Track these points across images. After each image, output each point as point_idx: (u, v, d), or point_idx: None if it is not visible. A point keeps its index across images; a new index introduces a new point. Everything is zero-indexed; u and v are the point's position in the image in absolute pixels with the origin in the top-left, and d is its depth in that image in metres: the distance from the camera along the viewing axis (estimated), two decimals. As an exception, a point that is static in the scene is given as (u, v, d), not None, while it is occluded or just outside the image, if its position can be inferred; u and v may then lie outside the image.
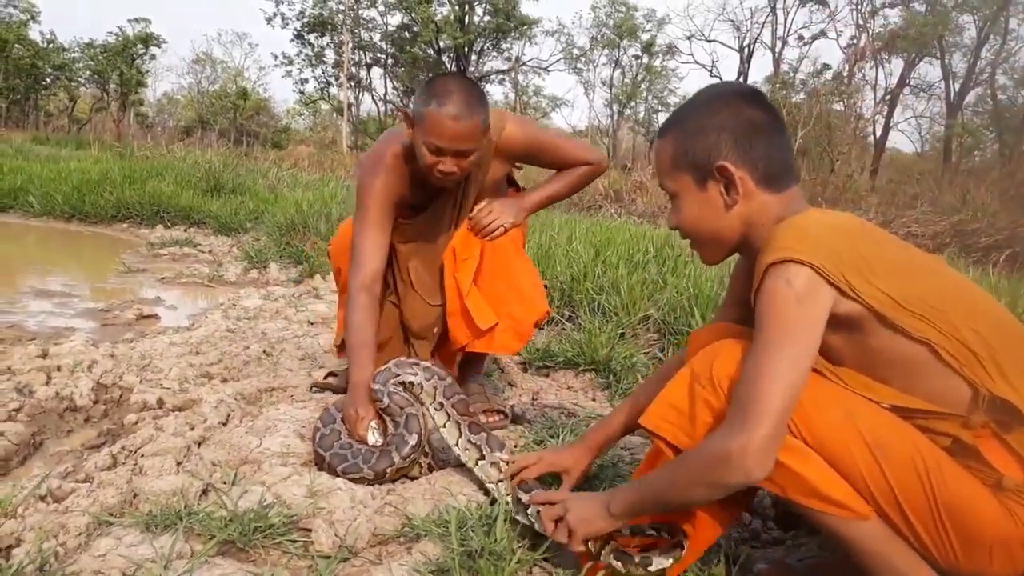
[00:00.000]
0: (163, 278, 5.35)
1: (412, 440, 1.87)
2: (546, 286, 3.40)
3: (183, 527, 1.47)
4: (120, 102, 59.87)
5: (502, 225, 2.26)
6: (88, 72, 56.78)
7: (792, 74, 32.07)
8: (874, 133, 27.44)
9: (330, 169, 19.99)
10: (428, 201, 2.33)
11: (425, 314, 2.40)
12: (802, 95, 23.18)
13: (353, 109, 56.47)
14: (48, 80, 57.44)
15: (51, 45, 51.61)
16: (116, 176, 9.72)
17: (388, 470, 1.82)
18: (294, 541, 1.51)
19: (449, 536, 1.46)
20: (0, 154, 13.41)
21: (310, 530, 1.56)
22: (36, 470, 2.02)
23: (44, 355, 2.91)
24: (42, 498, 1.67)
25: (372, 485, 1.80)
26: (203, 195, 9.32)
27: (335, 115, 61.27)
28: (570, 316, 3.58)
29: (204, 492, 1.68)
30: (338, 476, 1.80)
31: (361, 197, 2.24)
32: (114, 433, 2.26)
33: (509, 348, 2.30)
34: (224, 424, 2.19)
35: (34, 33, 49.88)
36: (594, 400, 2.72)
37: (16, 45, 48.20)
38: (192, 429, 2.10)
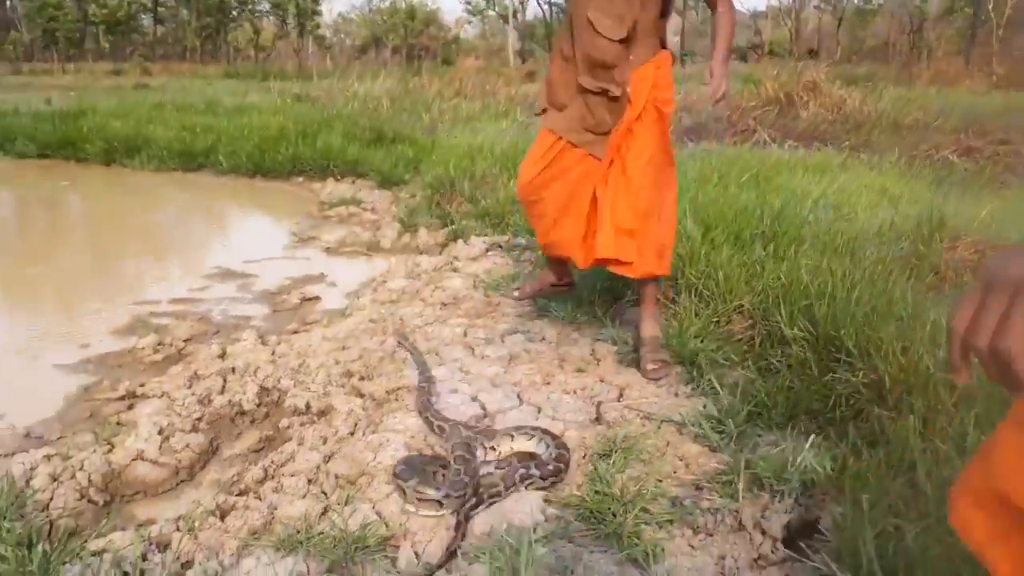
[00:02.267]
0: (328, 248, 6.05)
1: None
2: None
3: (303, 549, 1.98)
4: (298, 30, 62.96)
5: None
6: (268, 4, 59.92)
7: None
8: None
9: (492, 93, 20.25)
10: None
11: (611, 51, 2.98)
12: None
13: (519, 15, 56.14)
14: (234, 14, 61.30)
15: (234, -18, 54.83)
16: (291, 132, 10.64)
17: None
18: (386, 558, 1.98)
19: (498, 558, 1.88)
20: (194, 111, 14.71)
21: (398, 547, 2.02)
22: (213, 473, 2.64)
23: (223, 355, 3.58)
24: (211, 512, 2.24)
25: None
26: (367, 146, 10.04)
27: (502, 22, 61.49)
28: (672, 299, 3.82)
29: (324, 512, 2.19)
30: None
31: None
32: (270, 439, 2.84)
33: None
34: (352, 434, 2.71)
35: (218, -28, 53.12)
36: (677, 395, 3.01)
37: (205, -15, 51.59)
38: (325, 443, 2.63)
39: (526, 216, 3.61)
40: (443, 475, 2.30)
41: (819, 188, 6.02)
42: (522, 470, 2.30)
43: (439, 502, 2.16)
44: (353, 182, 9.17)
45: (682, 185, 5.37)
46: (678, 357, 3.21)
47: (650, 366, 3.13)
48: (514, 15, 54.21)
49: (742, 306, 3.48)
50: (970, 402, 2.24)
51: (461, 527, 2.08)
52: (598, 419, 2.83)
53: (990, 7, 30.03)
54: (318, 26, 65.88)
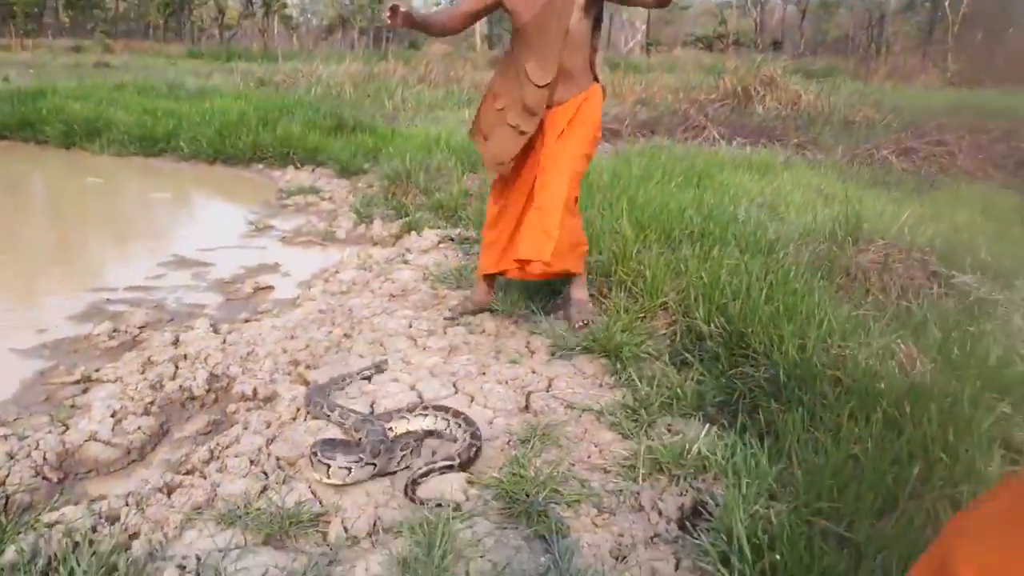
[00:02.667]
0: (284, 237, 6.21)
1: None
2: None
3: (241, 523, 2.18)
4: (264, 9, 62.23)
5: None
6: (234, -19, 59.12)
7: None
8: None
9: (456, 80, 20.32)
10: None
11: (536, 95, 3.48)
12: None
13: None
14: (199, -8, 60.39)
15: (198, -41, 54.05)
16: (252, 118, 10.70)
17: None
18: (317, 532, 2.20)
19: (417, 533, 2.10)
20: (156, 93, 14.67)
21: (329, 522, 2.24)
22: (163, 454, 2.83)
23: (176, 342, 3.76)
24: (158, 489, 2.43)
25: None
26: (328, 134, 10.16)
27: (471, 7, 61.26)
28: (604, 295, 4.06)
29: (263, 490, 2.39)
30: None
31: None
32: (218, 423, 3.03)
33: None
34: (294, 419, 2.91)
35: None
36: (600, 386, 3.25)
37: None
38: (268, 427, 2.83)
39: (481, 248, 4.03)
40: (360, 444, 2.55)
41: (758, 187, 6.32)
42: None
43: (371, 463, 2.40)
44: (313, 170, 9.29)
45: (624, 182, 5.64)
46: (604, 350, 3.45)
47: (578, 324, 3.74)
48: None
49: (666, 303, 3.73)
50: (849, 396, 2.51)
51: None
52: (526, 407, 3.06)
53: (947, 3, 30.71)
54: (284, 5, 65.18)
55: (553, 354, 3.58)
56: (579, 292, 3.88)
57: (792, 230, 4.71)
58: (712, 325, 3.38)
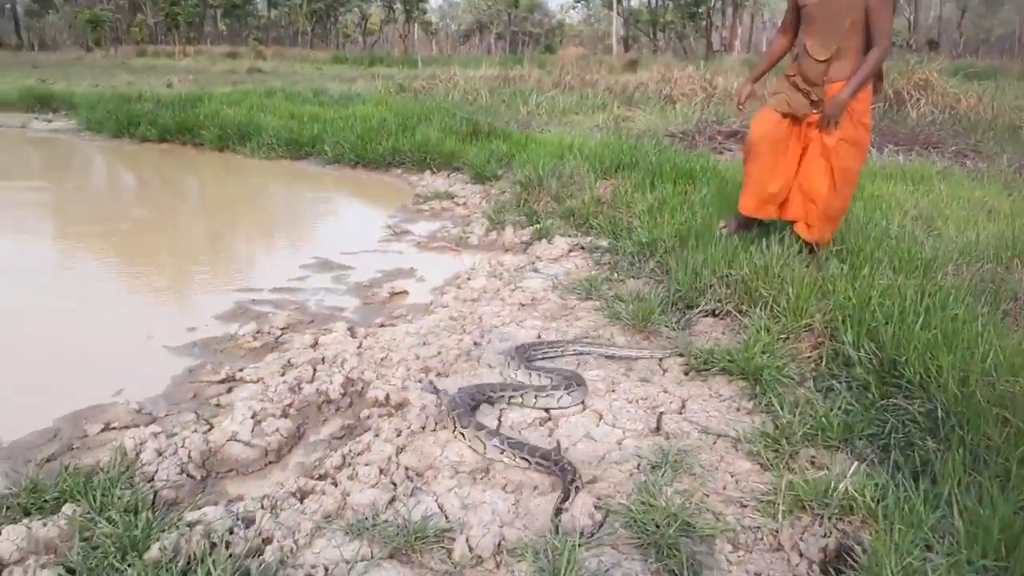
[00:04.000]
0: (419, 243, 6.33)
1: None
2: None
3: (369, 535, 2.20)
4: (405, 15, 64.21)
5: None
6: (375, -11, 61.36)
7: None
8: None
9: (591, 84, 20.18)
10: None
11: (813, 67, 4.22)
12: None
13: (624, 1, 55.62)
14: (343, -1, 62.97)
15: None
16: (391, 124, 11.02)
17: None
18: (442, 549, 2.19)
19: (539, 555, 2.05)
20: (302, 99, 15.39)
21: (454, 539, 2.22)
22: (298, 456, 2.91)
23: (315, 344, 3.88)
24: (292, 494, 2.49)
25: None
26: (463, 140, 10.32)
27: (606, 8, 61.14)
28: (743, 311, 3.88)
29: (391, 501, 2.41)
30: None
31: None
32: (351, 427, 3.09)
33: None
34: (423, 428, 2.92)
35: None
36: (738, 410, 3.10)
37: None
38: (399, 435, 2.85)
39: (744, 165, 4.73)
40: None
41: (912, 199, 5.92)
42: None
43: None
44: (448, 176, 9.46)
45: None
46: (743, 372, 3.29)
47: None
48: (619, 1, 53.76)
49: (811, 324, 3.52)
50: (1019, 439, 2.27)
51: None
52: (657, 429, 2.96)
53: None
54: (424, 12, 67.11)
55: (687, 373, 3.46)
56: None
57: (951, 248, 4.36)
58: (862, 351, 3.16)
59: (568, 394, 3.11)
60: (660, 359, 3.56)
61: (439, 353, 3.70)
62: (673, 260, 4.48)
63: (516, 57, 38.99)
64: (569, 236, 5.94)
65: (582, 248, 5.64)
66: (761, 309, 3.75)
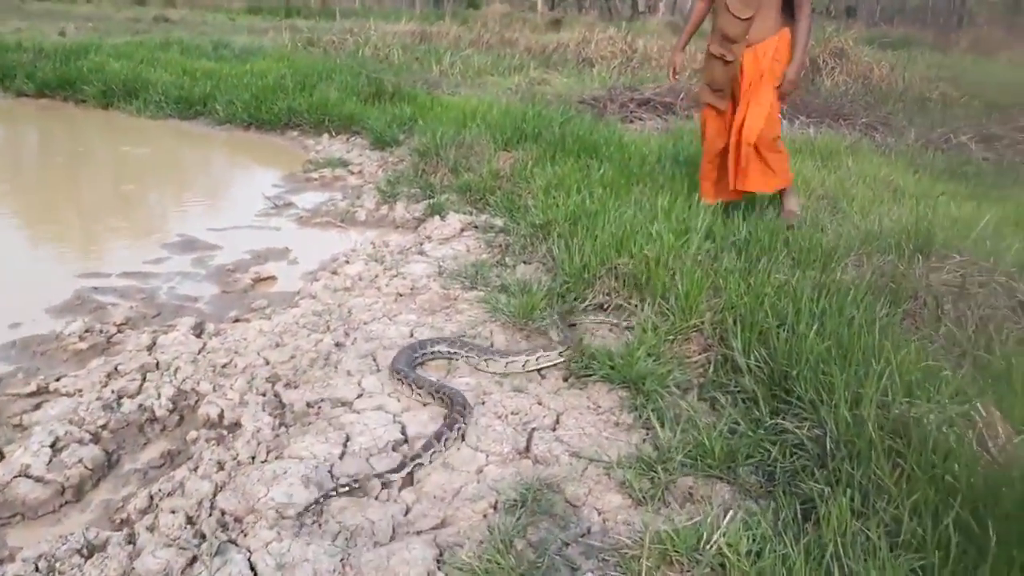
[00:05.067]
0: (301, 217, 5.82)
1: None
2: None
3: (150, 615, 1.80)
4: (326, -38, 61.67)
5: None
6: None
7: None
8: None
9: (511, 42, 19.60)
10: None
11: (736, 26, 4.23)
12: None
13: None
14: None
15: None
16: (289, 82, 10.34)
17: None
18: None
19: None
20: (200, 53, 14.43)
21: (260, 615, 1.84)
22: (104, 493, 2.47)
23: (151, 346, 3.40)
24: (77, 551, 2.06)
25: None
26: (366, 102, 9.74)
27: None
28: (631, 309, 3.56)
29: (191, 563, 2.00)
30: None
31: None
32: (173, 454, 2.66)
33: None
34: (253, 459, 2.52)
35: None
36: (616, 425, 2.79)
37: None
38: (221, 469, 2.44)
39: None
40: None
41: (818, 177, 5.71)
42: None
43: None
44: (348, 139, 8.90)
45: (670, 170, 5.11)
46: (624, 380, 2.98)
47: (788, 226, 4.27)
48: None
49: (701, 324, 3.23)
50: (912, 484, 2.01)
51: None
52: (527, 449, 2.62)
53: (1037, -28, 28.77)
54: (349, -42, 64.60)
55: (566, 380, 3.13)
56: (791, 204, 4.57)
57: (854, 236, 4.13)
58: (752, 357, 2.88)
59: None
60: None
61: (292, 357, 3.28)
62: (562, 246, 4.12)
63: (438, 12, 37.86)
64: (465, 213, 5.53)
65: (475, 228, 5.25)
66: (650, 306, 3.44)
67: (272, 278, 4.48)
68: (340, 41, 17.88)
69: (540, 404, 2.92)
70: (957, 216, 4.67)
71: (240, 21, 33.97)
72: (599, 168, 5.48)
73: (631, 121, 9.06)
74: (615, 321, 3.56)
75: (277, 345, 3.41)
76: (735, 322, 3.09)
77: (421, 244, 4.96)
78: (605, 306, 3.72)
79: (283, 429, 2.72)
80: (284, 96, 9.82)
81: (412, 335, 3.50)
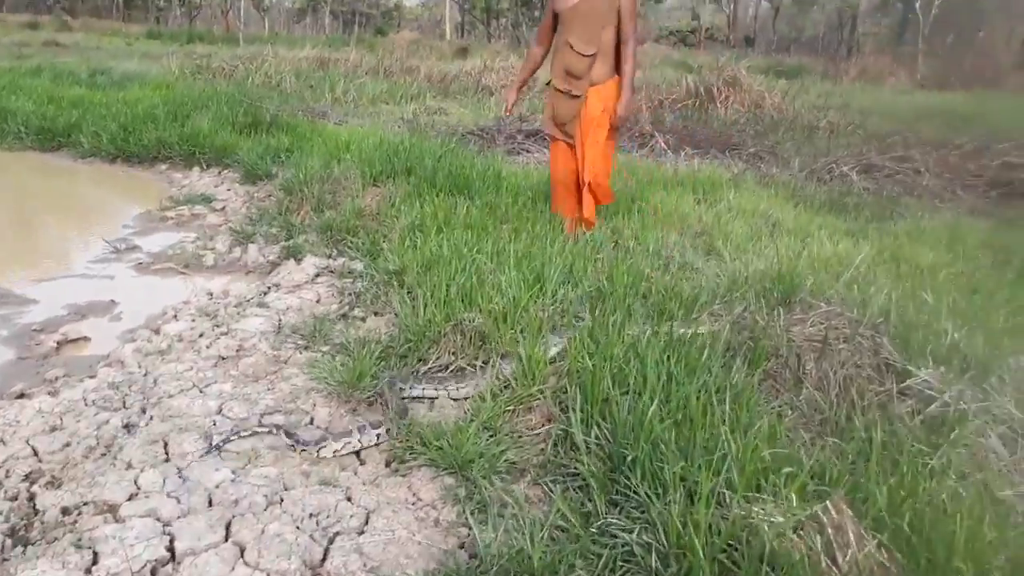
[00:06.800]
0: (141, 263, 5.27)
1: None
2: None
3: None
4: (233, -12, 60.38)
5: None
6: (200, -41, 57.48)
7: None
8: None
9: (413, 70, 19.18)
10: None
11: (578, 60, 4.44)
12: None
13: (461, -13, 54.86)
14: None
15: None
16: (160, 112, 9.70)
17: None
18: None
19: None
20: (73, 80, 13.59)
21: None
22: None
23: None
24: None
25: None
26: (241, 132, 9.19)
27: (443, -6, 60.01)
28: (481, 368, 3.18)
29: None
30: None
31: None
32: None
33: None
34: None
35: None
36: (435, 525, 2.38)
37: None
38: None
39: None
40: None
41: (696, 213, 5.49)
42: None
43: None
44: (220, 173, 8.34)
45: (534, 214, 4.80)
46: (450, 465, 2.58)
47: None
48: (455, -16, 52.74)
49: (543, 392, 2.87)
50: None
51: None
52: (321, 565, 2.19)
53: (917, 5, 30.15)
54: (257, -15, 63.28)
55: (388, 464, 2.71)
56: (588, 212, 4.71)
57: (721, 280, 3.86)
58: (592, 434, 2.53)
59: None
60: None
61: (67, 445, 2.76)
62: (406, 298, 3.72)
63: (344, 38, 37.25)
64: (323, 256, 5.08)
65: (332, 272, 4.81)
66: (492, 368, 3.06)
67: (84, 339, 3.93)
68: (231, 68, 17.18)
69: (350, 500, 2.49)
70: (831, 254, 4.48)
71: (138, 46, 32.64)
72: (464, 207, 5.11)
73: (518, 153, 8.77)
74: (456, 386, 3.16)
75: (53, 429, 2.88)
76: (578, 389, 2.74)
77: (265, 293, 4.49)
78: (451, 367, 3.33)
79: (19, 550, 2.21)
80: (155, 127, 9.20)
81: (220, 411, 3.03)
